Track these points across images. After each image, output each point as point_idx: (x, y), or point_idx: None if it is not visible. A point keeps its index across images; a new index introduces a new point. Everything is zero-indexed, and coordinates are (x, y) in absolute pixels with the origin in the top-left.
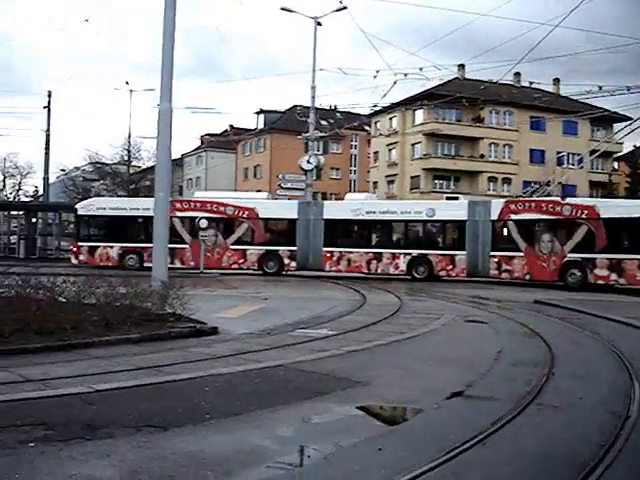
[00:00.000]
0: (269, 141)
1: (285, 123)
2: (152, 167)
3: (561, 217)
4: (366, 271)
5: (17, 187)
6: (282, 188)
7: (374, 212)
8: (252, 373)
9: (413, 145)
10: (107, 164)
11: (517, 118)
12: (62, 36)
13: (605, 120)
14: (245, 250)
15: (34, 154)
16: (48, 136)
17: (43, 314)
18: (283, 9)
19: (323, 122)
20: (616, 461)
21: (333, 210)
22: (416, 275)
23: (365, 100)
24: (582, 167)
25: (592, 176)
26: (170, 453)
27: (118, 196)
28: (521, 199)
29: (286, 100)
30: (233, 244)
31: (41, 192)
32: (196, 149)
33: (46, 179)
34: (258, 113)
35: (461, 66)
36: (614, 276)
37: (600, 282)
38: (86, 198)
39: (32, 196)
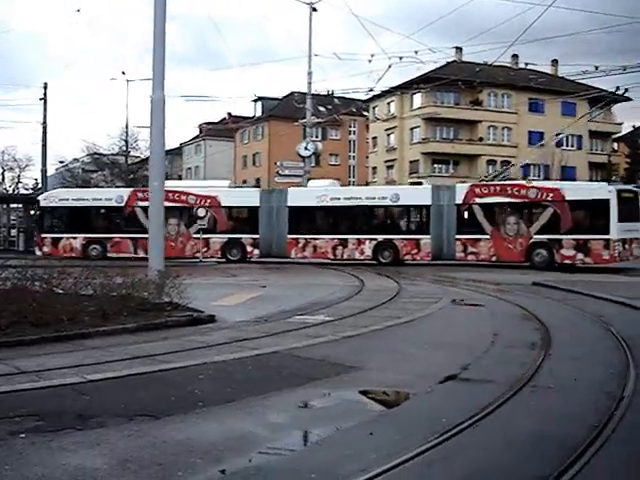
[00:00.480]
0: (267, 128)
1: (283, 110)
2: None
3: (527, 200)
4: (332, 257)
5: (16, 180)
6: (280, 175)
7: (339, 198)
8: (247, 360)
9: (412, 129)
10: (105, 155)
11: (515, 100)
12: (58, 27)
13: (603, 100)
14: (208, 239)
15: (32, 147)
16: (45, 128)
17: (40, 306)
18: None
19: (321, 108)
20: (609, 441)
21: (297, 197)
22: (382, 260)
23: (362, 85)
24: (543, 145)
25: (591, 157)
26: (161, 441)
27: (116, 187)
28: (485, 183)
29: (284, 87)
30: (196, 233)
31: (40, 185)
32: (194, 138)
33: (44, 171)
34: (256, 101)
35: (458, 49)
36: (580, 255)
37: (566, 262)
38: None
39: (32, 189)
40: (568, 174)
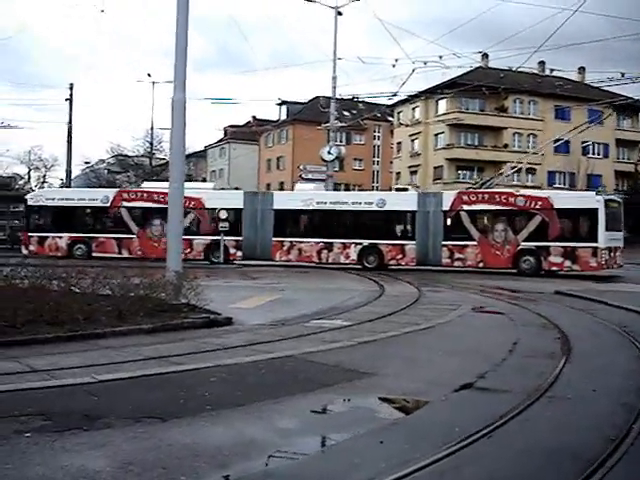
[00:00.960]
0: (291, 132)
1: (307, 114)
2: None
3: (515, 208)
4: (317, 261)
5: (42, 180)
6: (303, 179)
7: (325, 202)
8: (260, 364)
9: (436, 135)
10: (130, 156)
11: (541, 107)
12: (82, 27)
13: (631, 108)
14: (192, 240)
15: (59, 147)
16: (70, 128)
17: (56, 305)
18: None
19: (345, 113)
20: (627, 454)
21: (283, 200)
22: (367, 264)
23: (386, 90)
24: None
25: (618, 166)
26: (166, 444)
27: None
28: (472, 190)
29: (308, 91)
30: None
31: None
32: (219, 141)
33: (68, 171)
34: (280, 104)
35: (484, 55)
36: (568, 263)
37: (554, 269)
38: None
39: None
40: (594, 182)
